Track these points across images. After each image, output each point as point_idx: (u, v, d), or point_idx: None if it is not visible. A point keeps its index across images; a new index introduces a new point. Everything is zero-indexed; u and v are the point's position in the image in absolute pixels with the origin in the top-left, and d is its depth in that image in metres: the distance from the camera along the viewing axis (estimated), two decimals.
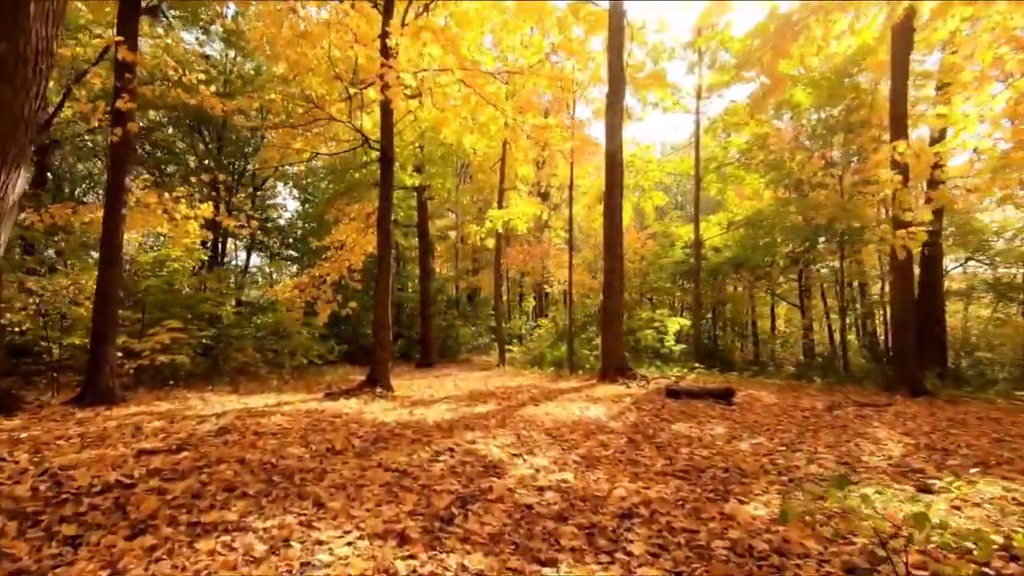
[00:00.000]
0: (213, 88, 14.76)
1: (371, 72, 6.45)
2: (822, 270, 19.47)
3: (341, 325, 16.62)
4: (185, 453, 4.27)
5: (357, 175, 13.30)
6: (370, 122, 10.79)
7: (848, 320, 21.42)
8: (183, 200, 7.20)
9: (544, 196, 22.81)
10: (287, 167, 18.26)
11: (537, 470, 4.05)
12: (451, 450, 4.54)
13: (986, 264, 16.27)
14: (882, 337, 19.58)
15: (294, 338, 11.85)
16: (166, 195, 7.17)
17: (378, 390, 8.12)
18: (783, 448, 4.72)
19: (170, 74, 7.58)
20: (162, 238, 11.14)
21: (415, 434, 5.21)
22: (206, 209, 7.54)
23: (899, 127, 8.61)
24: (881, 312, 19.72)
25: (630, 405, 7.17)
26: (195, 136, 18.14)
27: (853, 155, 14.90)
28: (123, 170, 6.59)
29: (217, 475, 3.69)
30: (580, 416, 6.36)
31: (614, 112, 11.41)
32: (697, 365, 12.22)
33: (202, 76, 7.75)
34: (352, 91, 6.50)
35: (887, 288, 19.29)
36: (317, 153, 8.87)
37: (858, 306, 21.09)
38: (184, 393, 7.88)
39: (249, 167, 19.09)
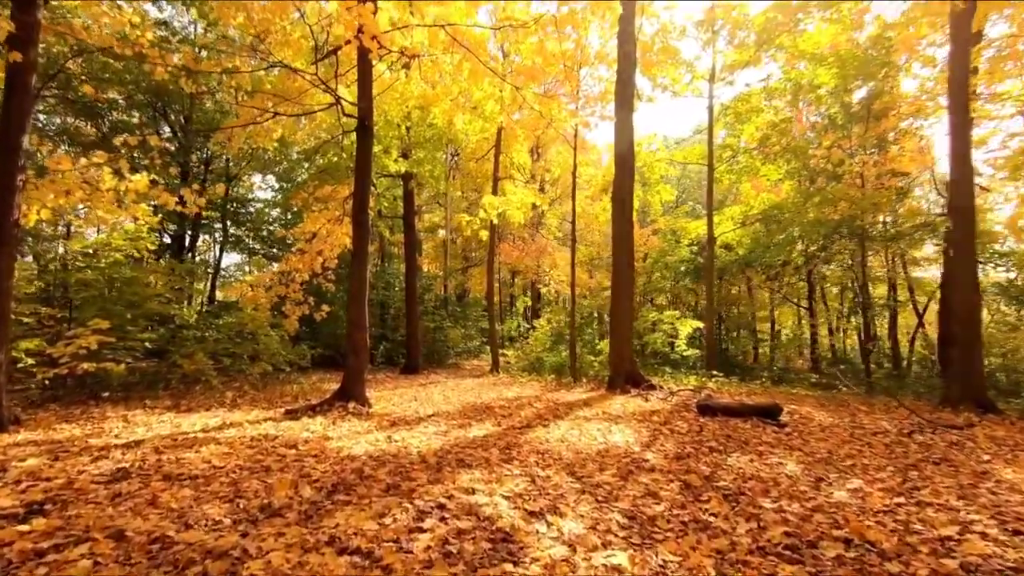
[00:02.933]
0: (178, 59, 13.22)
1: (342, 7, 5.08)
2: (829, 271, 18.53)
3: (318, 326, 15.11)
4: (39, 520, 2.83)
5: (335, 158, 11.86)
6: (350, 97, 9.39)
7: (856, 323, 20.53)
8: (106, 168, 5.73)
9: (540, 191, 21.51)
10: (262, 152, 16.68)
11: (571, 545, 2.70)
12: (441, 507, 3.17)
13: (992, 266, 15.46)
14: (886, 342, 18.70)
15: (260, 341, 10.34)
16: (82, 160, 5.70)
17: (351, 405, 6.70)
18: (900, 499, 3.44)
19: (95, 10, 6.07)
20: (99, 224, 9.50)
21: (392, 476, 3.83)
22: (140, 181, 6.07)
23: (959, 98, 7.48)
24: (887, 315, 18.85)
25: (660, 426, 5.87)
26: (159, 118, 16.55)
27: (873, 146, 13.87)
28: (18, 126, 5.10)
29: (61, 569, 2.28)
30: (605, 443, 5.03)
31: (625, 87, 10.16)
32: (715, 373, 11.00)
33: (136, 19, 6.25)
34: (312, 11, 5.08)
35: (888, 290, 18.44)
36: (276, 113, 7.40)
37: (859, 310, 20.15)
38: (106, 411, 6.36)
39: (219, 154, 17.54)
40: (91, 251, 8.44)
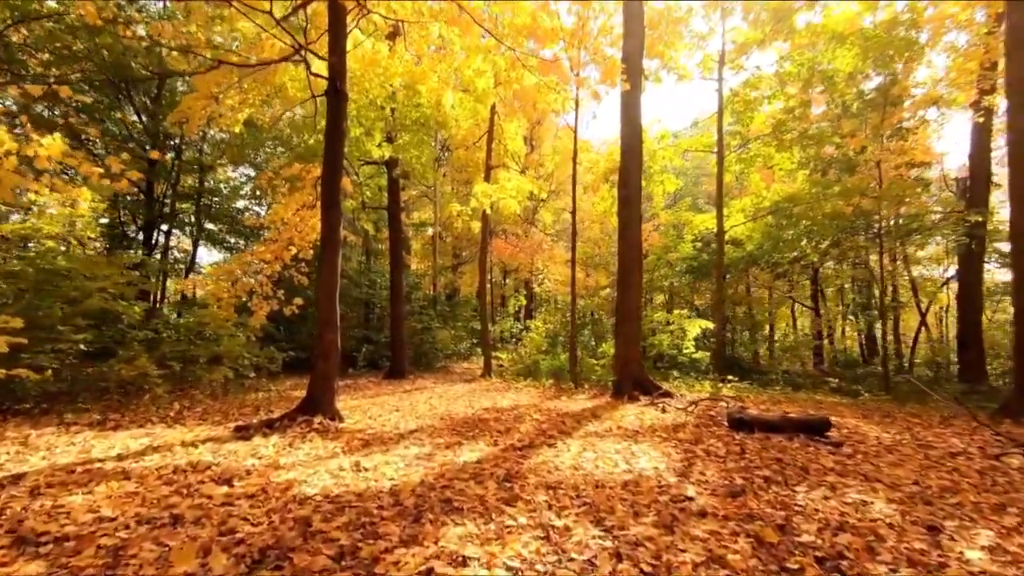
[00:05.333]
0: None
1: None
2: (837, 270, 17.86)
3: (294, 325, 13.93)
4: None
5: (311, 140, 10.75)
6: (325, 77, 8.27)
7: (860, 323, 19.87)
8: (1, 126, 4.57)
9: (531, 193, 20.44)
10: (235, 138, 15.42)
11: None
12: None
13: (996, 266, 14.89)
14: (891, 343, 18.03)
15: (222, 343, 9.16)
16: None
17: (317, 420, 5.59)
18: None
19: None
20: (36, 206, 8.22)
21: (350, 532, 2.75)
22: (52, 145, 4.91)
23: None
24: (891, 316, 18.17)
25: (692, 446, 4.84)
26: (123, 102, 15.22)
27: (892, 135, 13.08)
28: None
29: None
30: (630, 471, 3.99)
31: (633, 60, 9.19)
32: (729, 377, 10.04)
33: None
34: None
35: (891, 290, 17.77)
36: (221, 62, 6.28)
37: (875, 310, 19.58)
38: (7, 430, 5.17)
39: (194, 142, 16.27)
40: (17, 237, 7.21)
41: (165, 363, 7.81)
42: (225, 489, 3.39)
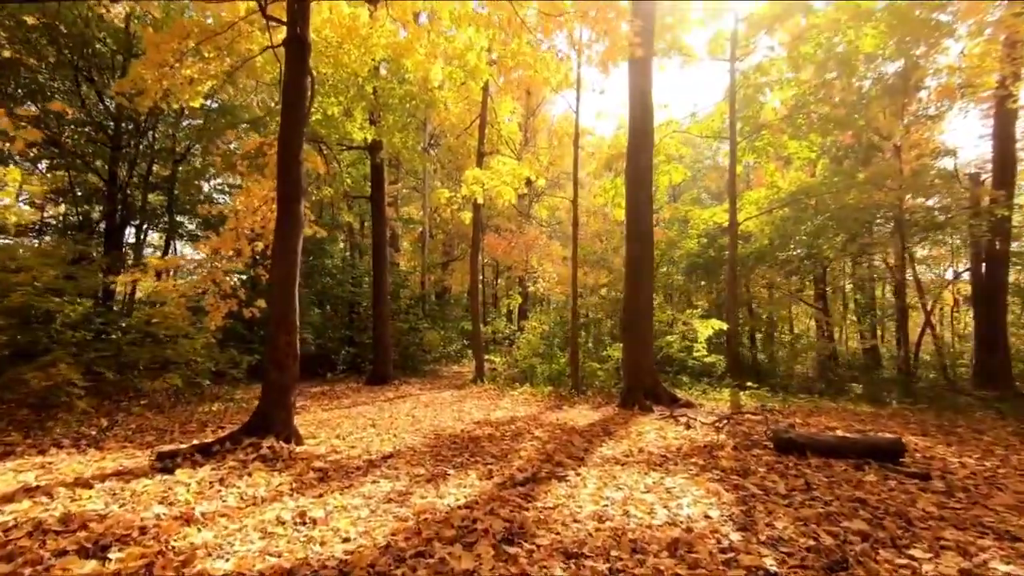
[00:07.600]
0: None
1: None
2: (847, 268, 17.11)
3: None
4: None
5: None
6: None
7: (865, 326, 19.08)
8: None
9: (527, 182, 19.33)
10: (209, 123, 14.13)
11: None
12: None
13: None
14: (901, 345, 17.26)
15: (174, 346, 8.00)
16: None
17: (267, 443, 4.48)
18: None
19: None
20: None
21: None
22: None
23: None
24: (895, 317, 17.40)
25: (739, 478, 3.81)
26: (80, 81, 13.89)
27: (911, 123, 12.24)
28: None
29: None
30: (675, 523, 2.94)
31: (643, 17, 8.18)
32: (750, 384, 9.06)
33: None
34: None
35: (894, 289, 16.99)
36: None
37: (873, 312, 18.81)
38: None
39: (168, 131, 14.97)
40: None
41: (93, 371, 6.62)
42: (91, 566, 2.29)
